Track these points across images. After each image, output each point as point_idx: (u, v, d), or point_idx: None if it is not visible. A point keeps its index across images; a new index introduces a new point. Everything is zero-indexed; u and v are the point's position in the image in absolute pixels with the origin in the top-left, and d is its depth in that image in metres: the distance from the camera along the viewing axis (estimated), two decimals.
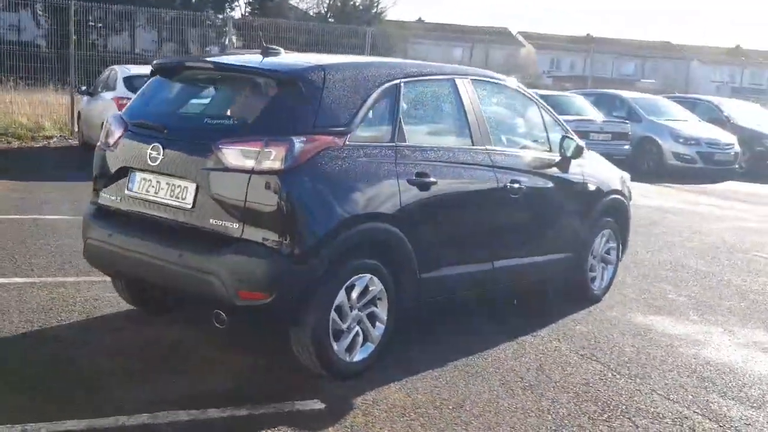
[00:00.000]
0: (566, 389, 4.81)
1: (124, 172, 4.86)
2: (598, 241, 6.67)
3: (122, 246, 4.76)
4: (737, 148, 17.59)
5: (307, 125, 4.43)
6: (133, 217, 4.81)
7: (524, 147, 6.01)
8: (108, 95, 13.03)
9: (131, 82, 12.89)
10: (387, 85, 4.89)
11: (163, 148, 4.57)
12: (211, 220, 4.41)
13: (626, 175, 7.12)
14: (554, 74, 60.39)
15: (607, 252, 6.85)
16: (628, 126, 17.06)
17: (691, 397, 4.85)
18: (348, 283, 4.60)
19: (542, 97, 17.50)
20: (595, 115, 17.36)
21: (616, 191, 6.77)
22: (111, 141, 4.98)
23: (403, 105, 4.97)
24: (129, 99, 12.32)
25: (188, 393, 4.38)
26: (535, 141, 6.15)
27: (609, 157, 15.72)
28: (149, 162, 4.61)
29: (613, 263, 6.97)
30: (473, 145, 5.40)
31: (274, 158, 4.27)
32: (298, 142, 4.33)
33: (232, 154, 4.34)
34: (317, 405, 4.33)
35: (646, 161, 17.39)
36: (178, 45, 28.11)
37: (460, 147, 5.34)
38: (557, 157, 6.15)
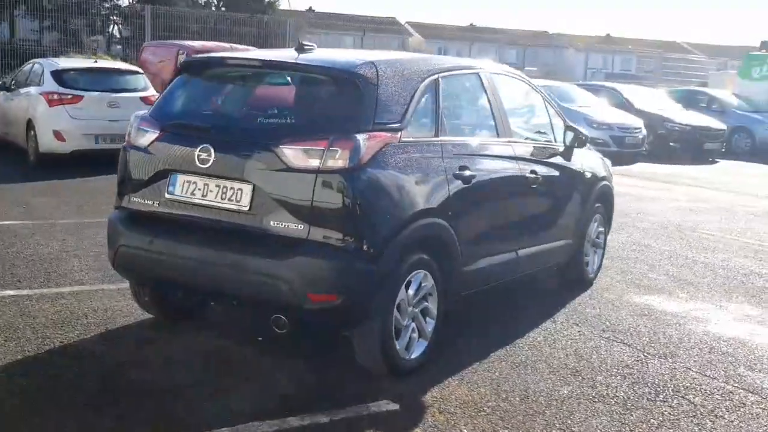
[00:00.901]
0: (611, 373, 4.95)
1: (161, 174, 4.66)
2: (592, 227, 6.86)
3: (167, 252, 4.58)
4: (644, 131, 18.38)
5: (368, 122, 4.38)
6: (176, 221, 4.63)
7: (535, 137, 6.12)
8: (35, 90, 12.38)
9: (60, 77, 12.29)
10: (429, 79, 4.89)
11: (215, 150, 4.41)
12: (272, 222, 4.30)
13: (608, 161, 7.35)
14: None
15: (597, 236, 7.06)
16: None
17: (723, 372, 5.08)
18: (407, 279, 4.58)
19: None
20: None
21: (605, 178, 6.99)
22: (143, 142, 4.77)
23: (442, 99, 4.98)
24: (60, 94, 11.99)
25: (260, 403, 4.27)
26: (542, 131, 6.27)
27: None
28: (198, 164, 4.45)
29: (602, 247, 7.20)
30: (498, 137, 5.48)
31: (339, 157, 4.21)
32: (363, 140, 4.28)
33: (296, 154, 4.24)
34: (391, 406, 4.31)
35: None
36: (62, 34, 27.07)
37: (490, 139, 5.41)
38: (561, 147, 6.30)
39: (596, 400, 4.53)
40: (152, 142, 4.73)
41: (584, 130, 6.54)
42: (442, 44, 70.44)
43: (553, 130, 6.32)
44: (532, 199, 5.80)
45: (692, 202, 12.47)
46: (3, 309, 5.53)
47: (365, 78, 4.48)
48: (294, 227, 4.25)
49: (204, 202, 4.50)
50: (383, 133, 4.42)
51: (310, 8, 64.97)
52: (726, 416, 4.42)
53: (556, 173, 6.15)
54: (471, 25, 74.00)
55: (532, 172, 5.72)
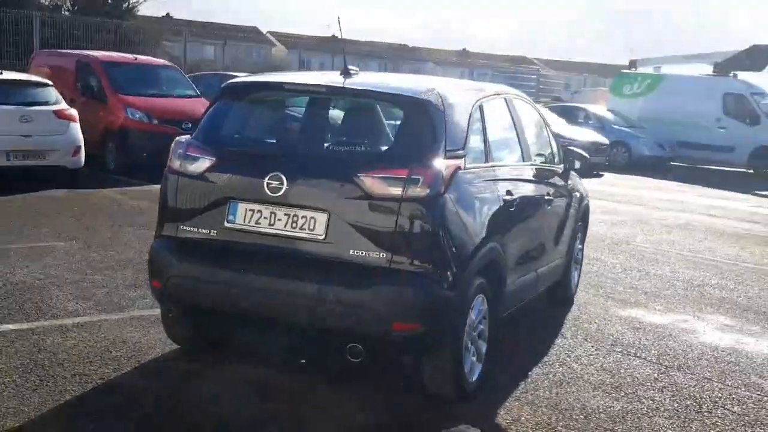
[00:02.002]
0: (647, 387, 5.20)
1: (219, 202, 4.52)
2: (575, 244, 7.14)
3: (233, 283, 4.44)
4: None
5: (441, 150, 4.42)
6: (238, 251, 4.50)
7: (543, 159, 6.32)
8: None
9: None
10: (476, 105, 4.98)
11: (287, 178, 4.33)
12: (351, 251, 4.26)
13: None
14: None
15: (577, 253, 7.35)
16: None
17: (740, 381, 5.43)
18: (472, 304, 4.65)
19: None
20: None
21: (586, 196, 7.29)
22: (194, 169, 4.61)
23: (487, 124, 5.08)
24: None
25: None
26: (545, 152, 6.48)
27: None
28: (268, 192, 4.35)
29: (580, 263, 7.49)
30: (524, 160, 5.63)
31: (421, 185, 4.23)
32: (441, 168, 4.32)
33: (376, 183, 4.23)
34: (472, 431, 4.35)
35: None
36: None
37: (520, 163, 5.56)
38: (561, 169, 6.53)
39: (651, 414, 4.74)
40: (207, 170, 4.57)
41: (582, 152, 6.80)
42: (304, 55, 70.49)
43: (552, 151, 6.55)
44: (547, 220, 6.01)
45: (609, 215, 13.09)
46: (14, 345, 5.18)
47: (434, 105, 4.53)
48: (375, 255, 4.23)
49: (271, 231, 4.41)
50: (454, 161, 4.48)
51: (168, 15, 63.36)
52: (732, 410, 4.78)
53: (560, 194, 6.38)
54: (333, 36, 74.40)
55: (548, 194, 5.92)
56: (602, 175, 20.33)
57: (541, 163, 6.08)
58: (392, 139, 4.76)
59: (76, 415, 4.30)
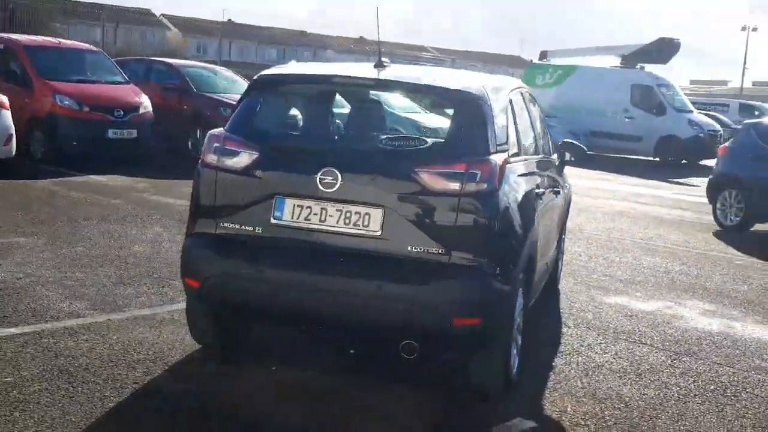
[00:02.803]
0: (668, 373, 5.35)
1: (263, 198, 4.37)
2: (563, 235, 7.27)
3: (282, 281, 4.31)
4: None
5: (492, 144, 4.41)
6: (286, 248, 4.37)
7: (545, 152, 6.39)
8: None
9: None
10: (507, 99, 4.99)
11: (341, 174, 4.22)
12: (408, 247, 4.21)
13: None
14: (202, 59, 60.08)
15: (561, 244, 7.48)
16: None
17: (746, 364, 5.66)
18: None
19: None
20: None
21: (570, 188, 7.43)
22: (235, 164, 4.44)
23: (516, 118, 5.10)
24: None
25: None
26: (547, 146, 6.55)
27: None
28: (321, 188, 4.24)
29: (563, 253, 7.63)
30: (537, 153, 5.69)
31: (479, 180, 4.22)
32: (497, 163, 4.31)
33: (434, 178, 4.19)
34: (530, 423, 4.39)
35: None
36: None
37: (538, 156, 5.61)
38: (557, 161, 6.62)
39: (685, 400, 4.89)
40: (250, 165, 4.41)
41: (580, 144, 6.91)
42: (200, 40, 68.95)
43: (549, 143, 6.63)
44: (554, 213, 6.09)
45: None
46: (26, 350, 4.88)
47: (484, 100, 4.51)
48: (434, 251, 4.19)
49: (323, 228, 4.30)
50: (502, 155, 4.48)
51: None
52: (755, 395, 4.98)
53: (559, 186, 6.47)
54: (229, 20, 73.05)
55: (555, 186, 6.00)
56: None
57: (545, 155, 6.16)
58: (443, 133, 4.71)
59: (127, 421, 4.10)
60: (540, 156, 5.74)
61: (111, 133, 13.25)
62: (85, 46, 15.32)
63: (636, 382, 5.11)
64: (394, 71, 4.83)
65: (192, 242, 4.56)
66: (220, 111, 14.78)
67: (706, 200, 12.48)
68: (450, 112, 4.72)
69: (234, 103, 14.53)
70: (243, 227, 4.42)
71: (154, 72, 16.14)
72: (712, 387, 5.14)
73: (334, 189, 4.23)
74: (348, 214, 4.26)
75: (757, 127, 12.00)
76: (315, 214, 4.30)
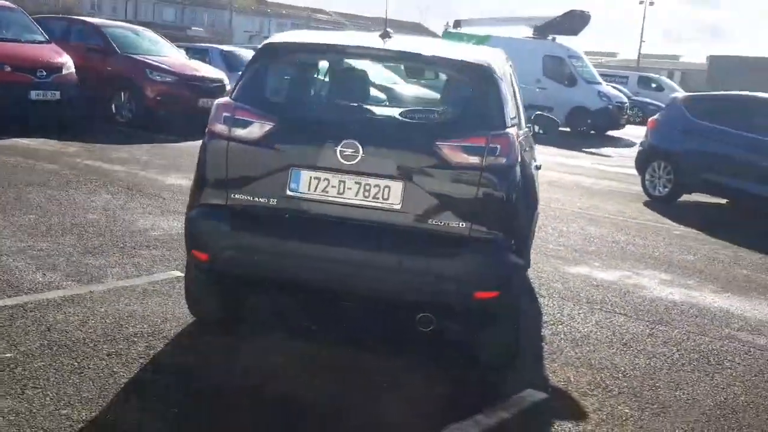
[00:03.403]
0: (651, 342, 5.55)
1: (278, 170, 4.27)
2: None
3: (301, 254, 4.24)
4: None
5: (506, 118, 4.43)
6: (302, 220, 4.29)
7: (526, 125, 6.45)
8: None
9: None
10: (507, 71, 5.00)
11: (362, 146, 4.16)
12: (429, 221, 4.20)
13: None
14: (98, 17, 57.84)
15: None
16: None
17: (717, 333, 5.92)
18: None
19: (204, 50, 17.34)
20: None
21: None
22: (247, 135, 4.31)
23: (515, 91, 5.13)
24: None
25: (417, 410, 4.21)
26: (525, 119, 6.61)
27: None
28: (341, 160, 4.17)
29: None
30: (522, 126, 5.73)
31: (499, 154, 4.23)
32: (515, 136, 4.35)
33: (455, 152, 4.18)
34: (540, 394, 4.48)
35: None
36: None
37: (526, 130, 5.65)
38: (531, 133, 6.69)
39: (675, 368, 5.08)
40: (264, 135, 4.29)
41: (553, 117, 6.98)
42: None
43: (521, 115, 6.68)
44: (535, 188, 6.16)
45: None
46: (15, 324, 4.66)
47: (497, 73, 4.52)
48: (455, 225, 4.20)
49: (341, 201, 4.24)
50: (516, 129, 4.50)
51: None
52: (740, 363, 5.27)
53: (535, 160, 6.55)
54: None
55: (535, 159, 6.07)
56: None
57: (528, 128, 6.22)
58: (459, 106, 4.69)
59: (145, 397, 3.98)
60: (527, 129, 5.80)
61: (34, 95, 12.61)
62: (4, 2, 14.48)
63: (625, 352, 5.28)
64: (400, 42, 4.77)
65: (200, 213, 4.42)
66: (146, 73, 14.30)
67: (627, 170, 12.90)
68: (464, 85, 4.68)
69: (162, 65, 14.34)
70: (256, 199, 4.31)
71: (74, 32, 15.42)
72: (695, 356, 5.36)
73: (355, 161, 4.17)
74: (367, 187, 4.21)
75: (686, 101, 12.44)
76: (333, 186, 4.24)
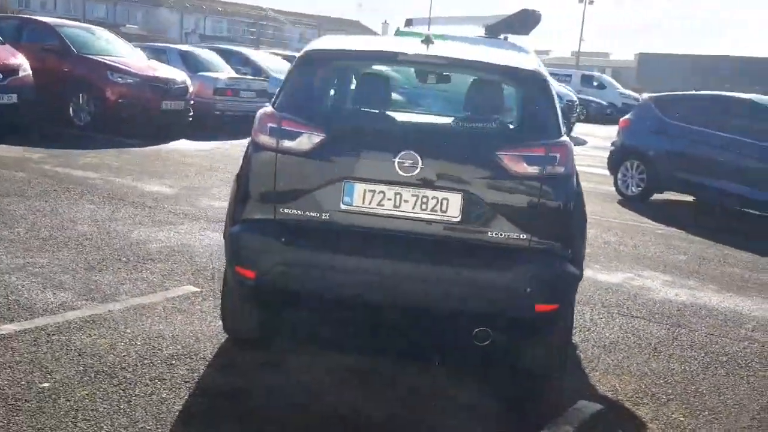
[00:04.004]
0: (676, 346, 5.56)
1: (330, 182, 4.12)
2: None
3: (355, 270, 4.10)
4: None
5: (560, 127, 4.37)
6: (357, 235, 4.16)
7: None
8: None
9: None
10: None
11: (421, 157, 4.05)
12: (490, 233, 4.12)
13: None
14: (25, 13, 56.12)
15: None
16: (267, 83, 17.46)
17: (735, 334, 5.97)
18: None
19: (161, 50, 16.97)
20: (229, 71, 17.37)
21: None
22: (298, 147, 4.14)
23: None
24: None
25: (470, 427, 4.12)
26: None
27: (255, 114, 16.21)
28: (399, 172, 4.05)
29: None
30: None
31: (558, 163, 4.17)
32: (572, 145, 4.28)
33: (515, 162, 4.10)
34: (594, 406, 4.42)
35: None
36: None
37: None
38: None
39: (710, 372, 5.10)
40: (315, 147, 4.13)
41: None
42: None
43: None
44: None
45: None
46: (42, 349, 4.41)
47: (548, 80, 4.45)
48: (516, 236, 4.12)
49: (398, 214, 4.12)
50: (568, 137, 4.45)
51: None
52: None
53: None
54: None
55: None
56: None
57: None
58: (514, 114, 4.60)
59: (203, 423, 3.80)
60: None
61: None
62: None
63: (657, 357, 5.27)
64: (444, 48, 4.66)
65: (245, 228, 4.23)
66: (107, 75, 13.87)
67: (591, 170, 13.00)
68: (518, 93, 4.60)
69: (122, 66, 13.91)
70: (308, 213, 4.15)
71: (27, 31, 14.85)
72: (724, 359, 5.39)
73: (414, 173, 4.05)
74: (425, 200, 4.10)
75: (657, 101, 12.61)
76: (389, 199, 4.11)
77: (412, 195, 4.09)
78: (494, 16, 26.35)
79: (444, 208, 4.09)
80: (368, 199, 4.11)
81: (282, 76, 15.42)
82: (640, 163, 12.15)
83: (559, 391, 4.59)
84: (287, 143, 4.15)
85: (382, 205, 4.11)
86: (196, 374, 4.29)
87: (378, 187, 4.10)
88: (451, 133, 4.35)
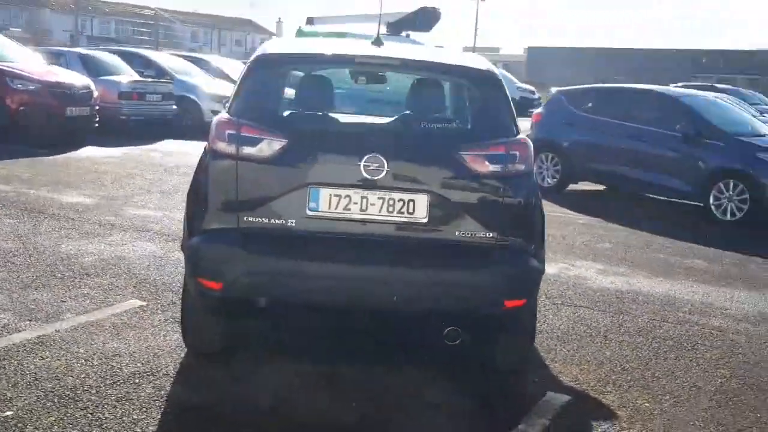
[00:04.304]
0: (624, 333, 5.71)
1: (294, 188, 4.06)
2: None
3: (326, 275, 4.05)
4: None
5: (516, 125, 4.42)
6: (325, 240, 4.11)
7: None
8: None
9: None
10: None
11: (386, 160, 4.03)
12: (456, 232, 4.14)
13: None
14: None
15: None
16: (172, 86, 17.06)
17: (675, 318, 6.17)
18: None
19: (59, 54, 16.40)
20: (132, 74, 16.89)
21: None
22: (259, 153, 4.05)
23: None
24: None
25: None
26: None
27: (162, 118, 15.84)
28: (365, 176, 4.01)
29: None
30: None
31: (519, 161, 4.22)
32: (530, 143, 4.34)
33: (477, 160, 4.13)
34: (562, 397, 4.50)
35: (185, 120, 17.49)
36: None
37: None
38: None
39: (662, 357, 5.27)
40: (276, 153, 4.05)
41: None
42: None
43: None
44: None
45: None
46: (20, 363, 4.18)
47: (501, 79, 4.49)
48: (482, 235, 4.16)
49: (364, 218, 4.09)
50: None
51: None
52: (742, 351, 5.54)
53: None
54: None
55: None
56: None
57: None
58: (470, 114, 4.61)
59: None
60: None
61: None
62: None
63: (608, 345, 5.42)
64: (393, 49, 4.65)
65: (208, 239, 4.11)
66: (6, 82, 13.25)
67: None
68: (472, 92, 4.60)
69: (23, 72, 13.31)
70: (273, 220, 4.07)
71: None
72: (670, 342, 5.58)
73: (380, 176, 4.02)
74: (391, 202, 4.08)
75: (567, 94, 12.94)
76: (355, 203, 4.07)
77: (379, 198, 4.06)
78: (395, 13, 26.41)
79: (411, 210, 4.08)
80: (334, 203, 4.06)
81: (188, 78, 15.15)
82: (554, 156, 12.46)
83: (524, 384, 4.64)
84: (248, 150, 4.06)
85: (349, 209, 4.06)
86: (162, 391, 4.15)
87: (344, 192, 4.06)
88: (414, 135, 4.33)
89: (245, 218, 4.07)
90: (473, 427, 4.11)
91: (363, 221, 4.07)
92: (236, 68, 21.36)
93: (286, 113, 4.43)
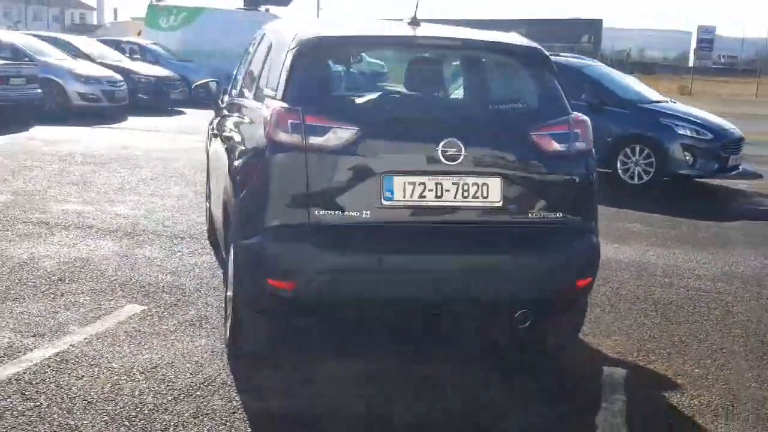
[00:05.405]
0: (624, 299, 5.85)
1: (369, 178, 3.85)
2: None
3: (407, 268, 3.89)
4: (125, 84, 18.00)
5: (568, 102, 4.38)
6: (401, 231, 3.93)
7: None
8: None
9: None
10: None
11: (464, 144, 3.88)
12: (529, 214, 4.08)
13: None
14: None
15: None
16: (37, 68, 15.87)
17: (653, 281, 6.40)
18: None
19: None
20: None
21: None
22: (328, 143, 3.82)
23: None
24: None
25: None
26: None
27: (27, 102, 14.77)
28: (443, 161, 3.86)
29: None
30: None
31: (581, 139, 4.21)
32: (588, 120, 4.31)
33: (547, 140, 4.09)
34: (619, 370, 4.55)
35: (49, 103, 16.34)
36: None
37: None
38: None
39: (668, 320, 5.42)
40: (347, 142, 3.82)
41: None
42: None
43: None
44: None
45: None
46: (34, 400, 3.74)
47: (549, 57, 4.43)
48: (552, 216, 4.11)
49: (440, 204, 3.94)
50: None
51: None
52: (737, 310, 5.80)
53: None
54: None
55: None
56: (185, 112, 19.76)
57: None
58: (527, 94, 4.48)
59: None
60: None
61: None
62: None
63: (621, 315, 5.53)
64: (433, 29, 4.49)
65: (276, 237, 3.83)
66: None
67: None
68: (523, 70, 4.49)
69: None
70: (348, 213, 3.84)
71: None
72: (673, 307, 5.77)
73: (458, 161, 3.87)
74: (465, 187, 3.94)
75: None
76: (430, 190, 3.91)
77: (453, 183, 3.92)
78: None
79: (485, 194, 3.97)
80: (409, 191, 3.88)
81: (50, 60, 14.08)
82: None
83: (578, 362, 4.66)
84: (315, 140, 3.80)
85: (424, 197, 3.90)
86: (234, 402, 3.85)
87: (418, 179, 3.88)
88: (487, 117, 4.20)
89: (316, 212, 3.81)
90: (560, 412, 4.05)
91: (438, 208, 3.92)
92: (93, 47, 20.19)
93: (357, 99, 4.17)
